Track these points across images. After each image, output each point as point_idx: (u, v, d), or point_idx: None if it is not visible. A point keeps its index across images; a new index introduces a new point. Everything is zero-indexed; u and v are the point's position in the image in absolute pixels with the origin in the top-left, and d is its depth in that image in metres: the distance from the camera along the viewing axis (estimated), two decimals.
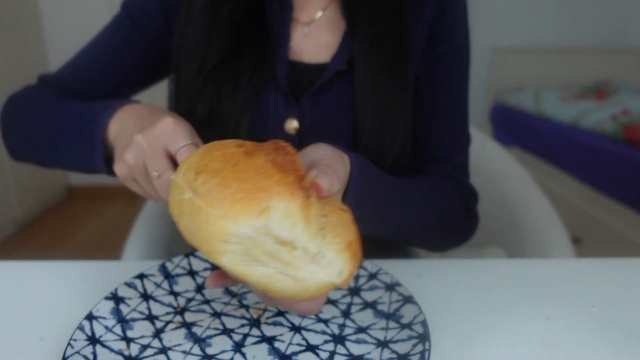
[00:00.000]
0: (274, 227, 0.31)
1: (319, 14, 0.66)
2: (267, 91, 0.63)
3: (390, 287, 0.48)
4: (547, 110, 2.42)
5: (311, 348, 0.41)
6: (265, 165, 0.32)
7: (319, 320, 0.45)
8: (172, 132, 0.45)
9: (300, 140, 0.64)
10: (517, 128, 2.57)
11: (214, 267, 0.54)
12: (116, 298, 0.46)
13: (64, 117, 0.59)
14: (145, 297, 0.48)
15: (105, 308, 0.44)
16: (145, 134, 0.45)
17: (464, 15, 0.68)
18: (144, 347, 0.41)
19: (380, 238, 0.60)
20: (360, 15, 0.63)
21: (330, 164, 0.40)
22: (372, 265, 0.52)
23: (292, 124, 0.63)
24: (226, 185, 0.31)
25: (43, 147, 0.61)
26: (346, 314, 0.46)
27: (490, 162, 0.96)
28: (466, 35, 0.68)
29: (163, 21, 0.67)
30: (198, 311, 0.47)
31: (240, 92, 0.61)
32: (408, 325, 0.42)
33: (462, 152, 0.68)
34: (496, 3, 2.93)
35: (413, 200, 0.58)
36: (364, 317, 0.46)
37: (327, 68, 0.63)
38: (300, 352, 0.41)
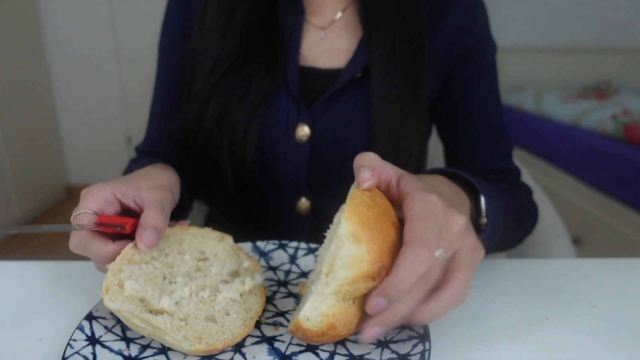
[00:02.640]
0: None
1: (339, 15, 0.65)
2: (279, 96, 0.62)
3: None
4: (547, 110, 2.42)
5: (311, 348, 0.41)
6: None
7: None
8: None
9: (311, 147, 0.62)
10: (517, 128, 2.57)
11: None
12: None
13: None
14: None
15: (105, 308, 0.44)
16: None
17: (487, 31, 0.67)
18: (144, 347, 0.41)
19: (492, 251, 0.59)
20: (378, 22, 0.62)
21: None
22: None
23: (304, 130, 0.62)
24: None
25: None
26: None
27: None
28: (493, 49, 0.68)
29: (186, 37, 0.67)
30: None
31: (249, 97, 0.60)
32: (408, 325, 0.42)
33: (509, 157, 0.69)
34: (496, 3, 2.93)
35: (512, 205, 0.58)
36: None
37: (341, 74, 0.62)
38: (300, 352, 0.40)
